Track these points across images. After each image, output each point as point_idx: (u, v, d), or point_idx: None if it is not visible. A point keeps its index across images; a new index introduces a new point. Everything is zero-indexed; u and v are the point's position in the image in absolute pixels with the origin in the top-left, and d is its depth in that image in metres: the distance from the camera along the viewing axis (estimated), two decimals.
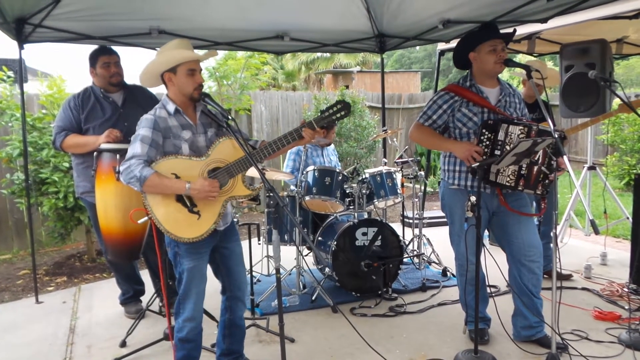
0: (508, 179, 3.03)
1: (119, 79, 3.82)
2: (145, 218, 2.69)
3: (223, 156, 2.65)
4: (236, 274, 2.92)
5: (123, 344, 3.53)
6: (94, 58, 3.79)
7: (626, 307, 3.83)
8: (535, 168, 3.02)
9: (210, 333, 3.31)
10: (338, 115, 2.70)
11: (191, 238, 2.60)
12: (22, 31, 4.24)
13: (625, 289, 4.20)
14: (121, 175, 2.55)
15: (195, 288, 2.74)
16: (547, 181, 3.03)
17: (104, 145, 3.44)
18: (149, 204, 2.60)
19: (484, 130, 3.11)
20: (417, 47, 31.47)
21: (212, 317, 3.62)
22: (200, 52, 2.79)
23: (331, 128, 4.94)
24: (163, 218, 2.59)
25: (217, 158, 2.65)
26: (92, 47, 3.88)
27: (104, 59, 3.77)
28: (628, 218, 5.21)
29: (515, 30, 3.44)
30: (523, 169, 3.01)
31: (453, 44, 5.42)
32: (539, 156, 3.02)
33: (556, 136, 2.81)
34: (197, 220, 2.62)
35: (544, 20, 4.29)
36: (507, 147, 3.01)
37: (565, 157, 2.78)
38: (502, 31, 3.25)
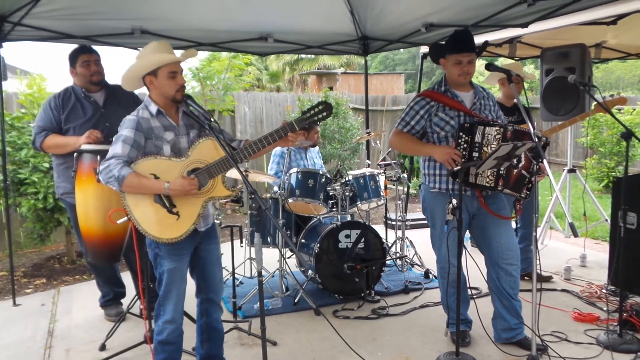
0: (488, 179, 3.06)
1: (100, 78, 3.78)
2: (125, 218, 2.67)
3: (203, 157, 2.63)
4: (212, 276, 2.90)
5: (103, 348, 3.49)
6: (73, 57, 3.74)
7: (604, 309, 3.89)
8: (515, 171, 3.06)
9: (191, 336, 3.28)
10: (320, 116, 2.69)
11: (170, 239, 2.58)
12: (1, 29, 4.16)
13: (604, 291, 4.27)
14: (100, 175, 2.54)
15: (176, 290, 2.72)
16: (530, 185, 3.08)
17: (84, 146, 3.40)
18: (128, 204, 2.58)
19: (461, 134, 3.16)
20: (401, 50, 31.66)
21: (193, 320, 3.59)
22: (180, 53, 2.77)
23: (312, 129, 4.91)
24: (142, 218, 2.58)
25: (197, 158, 2.63)
26: (73, 47, 3.84)
27: (83, 57, 3.72)
28: (607, 220, 5.30)
29: (486, 43, 3.51)
30: (502, 169, 3.05)
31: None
32: (522, 159, 3.06)
33: (537, 140, 2.85)
34: (177, 221, 2.60)
35: (525, 25, 4.34)
36: (485, 149, 3.05)
37: (545, 161, 2.81)
38: (477, 38, 3.30)
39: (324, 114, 2.69)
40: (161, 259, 2.68)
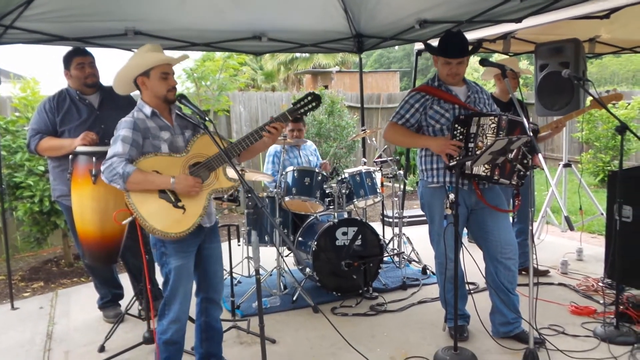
0: (484, 168, 3.06)
1: (94, 80, 3.77)
2: (130, 218, 2.64)
3: (202, 151, 2.68)
4: (213, 275, 2.91)
5: (102, 349, 3.49)
6: (67, 60, 3.74)
7: (601, 302, 3.90)
8: (509, 164, 3.07)
9: (190, 336, 3.28)
10: (310, 106, 2.80)
11: (177, 233, 2.58)
12: None
13: (600, 284, 4.28)
14: (103, 174, 2.54)
15: (183, 287, 2.72)
16: (522, 172, 3.08)
17: (79, 148, 3.39)
18: (133, 202, 2.57)
19: (456, 125, 3.18)
20: (396, 47, 31.68)
21: (192, 320, 3.59)
22: (174, 55, 2.79)
23: (297, 122, 4.86)
24: (148, 215, 2.57)
25: (196, 153, 2.67)
26: (66, 49, 3.83)
27: (78, 60, 3.72)
28: (602, 214, 5.32)
29: (480, 43, 3.54)
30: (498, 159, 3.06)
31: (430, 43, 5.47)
32: (514, 154, 3.07)
33: (531, 134, 2.86)
34: (183, 215, 2.61)
35: (519, 20, 4.35)
36: (480, 139, 3.07)
37: (540, 155, 2.82)
38: (471, 34, 3.32)
39: (314, 104, 2.81)
40: (167, 257, 2.68)
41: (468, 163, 3.07)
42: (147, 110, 2.67)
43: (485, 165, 3.04)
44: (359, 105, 6.72)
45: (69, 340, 3.73)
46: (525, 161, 3.07)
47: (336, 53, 15.81)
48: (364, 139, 6.43)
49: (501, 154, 2.94)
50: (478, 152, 2.98)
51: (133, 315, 3.89)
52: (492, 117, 3.07)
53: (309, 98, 2.80)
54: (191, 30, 4.90)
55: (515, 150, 3.03)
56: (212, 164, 2.66)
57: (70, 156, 3.38)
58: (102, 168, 2.54)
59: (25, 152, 5.14)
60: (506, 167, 3.07)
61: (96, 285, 4.12)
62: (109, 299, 4.11)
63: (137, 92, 2.78)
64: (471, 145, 3.10)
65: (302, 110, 2.81)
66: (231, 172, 2.77)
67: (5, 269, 4.83)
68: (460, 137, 3.15)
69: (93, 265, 3.88)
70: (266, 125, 2.73)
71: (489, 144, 2.93)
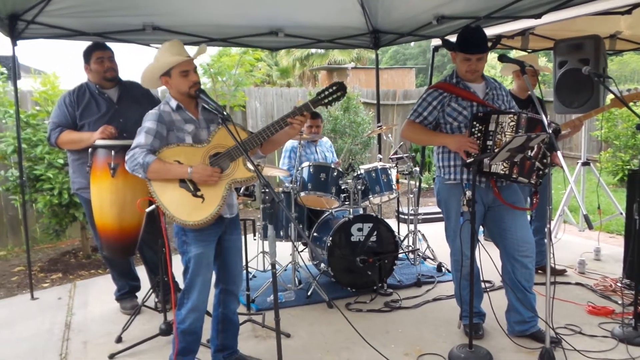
0: (502, 166, 3.03)
1: (114, 74, 3.82)
2: (153, 206, 2.75)
3: (223, 142, 2.72)
4: (232, 267, 2.95)
5: (119, 340, 3.53)
6: (87, 54, 3.78)
7: (619, 302, 3.85)
8: (528, 163, 3.04)
9: (206, 327, 3.31)
10: (334, 96, 2.73)
11: (196, 221, 2.63)
12: (15, 27, 4.22)
13: (619, 284, 4.23)
14: (126, 164, 2.65)
15: (202, 276, 2.76)
16: (540, 172, 3.05)
17: (98, 142, 3.44)
18: (154, 190, 2.66)
19: (474, 123, 3.15)
20: (412, 44, 31.51)
21: (209, 314, 3.62)
22: (192, 50, 2.83)
23: (315, 118, 4.87)
24: (168, 203, 2.65)
25: (217, 144, 2.73)
26: (85, 44, 3.88)
27: (97, 54, 3.76)
28: (621, 213, 5.24)
29: (499, 39, 3.49)
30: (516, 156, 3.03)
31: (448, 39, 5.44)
32: (535, 152, 3.03)
33: (550, 131, 2.83)
34: (202, 204, 2.66)
35: (538, 16, 4.29)
36: (499, 137, 3.04)
37: (559, 153, 2.79)
38: (490, 30, 3.29)
39: (339, 94, 2.73)
40: (188, 245, 2.74)
41: (486, 160, 3.04)
42: (173, 103, 2.76)
43: (504, 163, 3.02)
44: (375, 101, 6.70)
45: (86, 331, 3.79)
46: (544, 160, 3.04)
47: (352, 49, 15.80)
48: (379, 136, 6.41)
49: (519, 151, 2.91)
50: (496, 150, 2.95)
51: (150, 307, 3.94)
52: (512, 115, 3.03)
53: (334, 88, 2.73)
54: (208, 26, 4.93)
55: (535, 148, 3.00)
56: (232, 154, 2.70)
57: (90, 149, 3.43)
58: (126, 158, 2.65)
59: (45, 145, 5.22)
60: (525, 165, 3.04)
61: (114, 277, 4.18)
62: (126, 291, 4.16)
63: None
64: (490, 143, 3.07)
65: (326, 100, 2.74)
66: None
67: (25, 259, 4.93)
68: (479, 134, 3.13)
69: (111, 257, 3.93)
70: (288, 117, 2.72)
71: (507, 141, 2.90)
